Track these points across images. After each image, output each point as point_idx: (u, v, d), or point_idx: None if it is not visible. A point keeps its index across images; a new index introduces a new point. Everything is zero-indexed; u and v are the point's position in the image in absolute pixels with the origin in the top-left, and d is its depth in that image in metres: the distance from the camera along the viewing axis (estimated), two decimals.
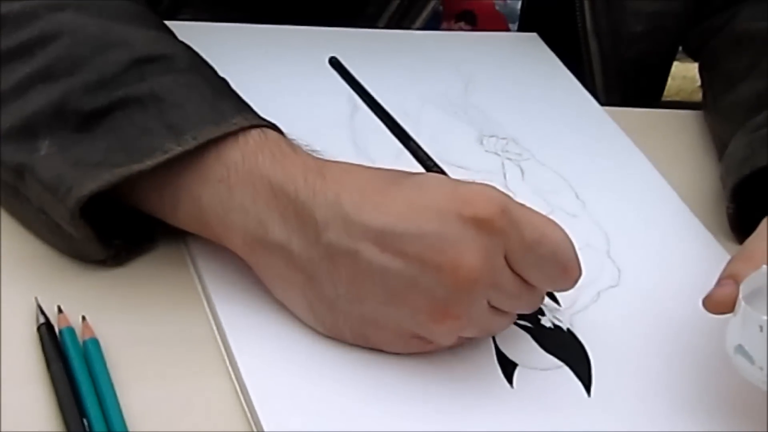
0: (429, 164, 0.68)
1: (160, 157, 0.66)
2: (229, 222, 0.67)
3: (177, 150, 0.66)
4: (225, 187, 0.66)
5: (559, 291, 0.66)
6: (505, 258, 0.64)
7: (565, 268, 0.65)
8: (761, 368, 0.63)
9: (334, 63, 0.67)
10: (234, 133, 0.67)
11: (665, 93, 1.16)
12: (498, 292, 0.64)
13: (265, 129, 0.68)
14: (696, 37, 1.06)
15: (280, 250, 0.66)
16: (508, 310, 0.66)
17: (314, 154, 0.68)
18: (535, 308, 0.68)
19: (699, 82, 1.04)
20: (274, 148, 0.67)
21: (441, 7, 1.00)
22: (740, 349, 0.64)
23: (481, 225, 0.63)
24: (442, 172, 0.67)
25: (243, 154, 0.66)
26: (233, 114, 0.68)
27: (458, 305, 0.64)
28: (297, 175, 0.65)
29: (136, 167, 0.66)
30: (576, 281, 0.66)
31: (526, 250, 0.64)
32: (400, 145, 0.84)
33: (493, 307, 0.65)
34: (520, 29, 1.03)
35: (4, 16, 0.73)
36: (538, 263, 0.64)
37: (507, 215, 0.63)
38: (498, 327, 0.68)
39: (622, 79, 1.06)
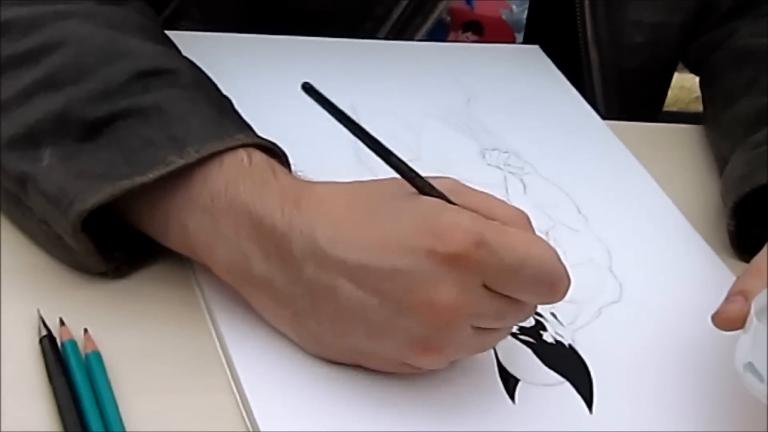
0: (411, 176, 0.64)
1: (162, 170, 0.65)
2: (215, 253, 0.66)
3: (179, 162, 0.66)
4: (209, 217, 0.66)
5: (549, 304, 0.66)
6: (487, 285, 0.62)
7: (552, 283, 0.63)
8: None
9: (308, 89, 0.66)
10: (219, 157, 0.66)
11: None
12: (482, 318, 0.63)
13: (251, 152, 0.67)
14: (696, 52, 1.06)
15: (264, 286, 0.65)
16: (499, 327, 0.65)
17: (299, 176, 0.67)
18: (529, 316, 0.66)
19: (696, 93, 1.04)
20: (255, 176, 0.66)
21: (448, 18, 1.00)
22: (750, 366, 0.63)
23: (455, 261, 0.61)
24: (430, 186, 0.64)
25: (226, 181, 0.66)
26: (236, 131, 0.68)
27: (438, 340, 0.63)
28: (275, 207, 0.64)
29: (139, 179, 0.65)
30: (566, 292, 0.64)
31: (509, 275, 0.62)
32: (403, 158, 0.84)
33: (481, 328, 0.64)
34: (526, 39, 1.02)
35: (11, 22, 0.72)
36: (524, 284, 0.63)
37: (483, 246, 0.61)
38: (492, 342, 0.67)
39: (622, 90, 1.06)
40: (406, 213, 0.63)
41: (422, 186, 0.64)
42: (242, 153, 0.67)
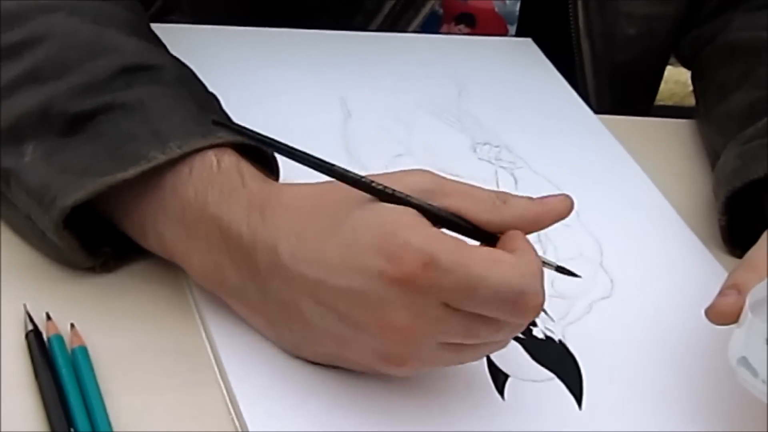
0: (366, 185, 0.63)
1: (144, 165, 0.65)
2: (191, 261, 0.67)
3: (161, 158, 0.65)
4: (183, 227, 0.66)
5: (523, 321, 0.62)
6: (448, 303, 0.60)
7: (514, 303, 0.60)
8: (764, 381, 0.62)
9: (218, 124, 0.67)
10: (190, 162, 0.66)
11: (657, 97, 1.16)
12: (446, 336, 0.62)
13: (222, 155, 0.66)
14: (688, 46, 1.05)
15: (238, 295, 0.66)
16: (476, 343, 0.63)
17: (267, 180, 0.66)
18: (515, 333, 0.64)
19: (691, 87, 1.03)
20: (223, 183, 0.65)
21: (440, 10, 1.00)
22: (744, 361, 0.63)
23: (404, 284, 0.60)
24: (386, 194, 0.62)
25: (195, 190, 0.65)
26: (219, 128, 0.67)
27: (399, 356, 0.62)
28: (242, 218, 0.64)
29: (120, 175, 0.65)
30: (536, 311, 0.61)
31: (464, 294, 0.60)
32: (394, 153, 0.84)
33: (452, 343, 0.62)
34: (518, 31, 1.02)
35: None
36: (483, 302, 0.60)
37: (432, 267, 0.59)
38: (470, 357, 0.65)
39: (614, 83, 1.05)
40: (364, 226, 0.61)
41: (380, 194, 0.62)
42: (212, 157, 0.66)
